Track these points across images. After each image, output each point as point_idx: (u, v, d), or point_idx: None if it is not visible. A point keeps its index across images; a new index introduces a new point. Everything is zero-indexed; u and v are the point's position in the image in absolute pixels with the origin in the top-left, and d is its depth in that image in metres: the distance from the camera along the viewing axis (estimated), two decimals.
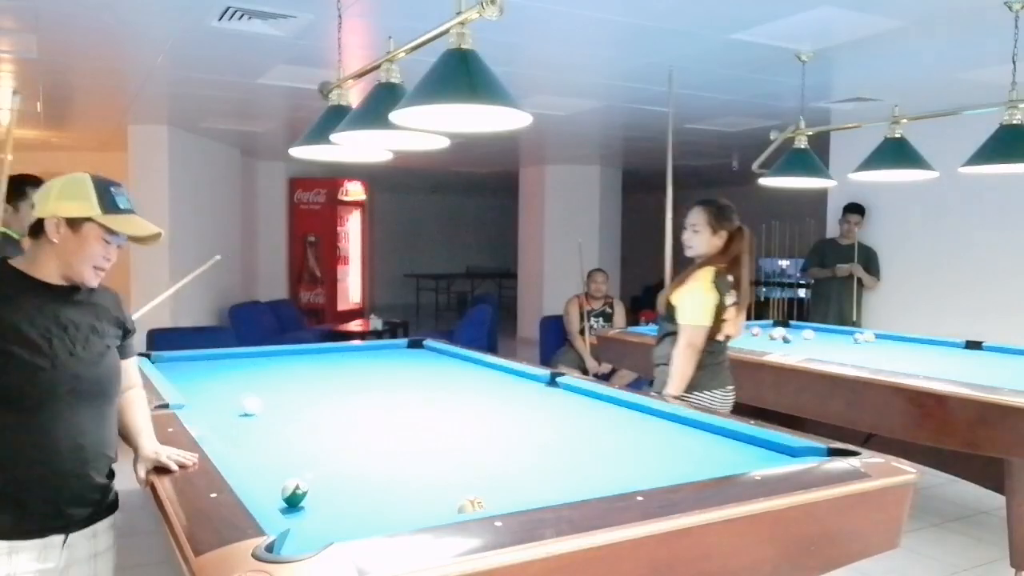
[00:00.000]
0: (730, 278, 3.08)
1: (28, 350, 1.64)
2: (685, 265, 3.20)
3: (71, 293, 1.76)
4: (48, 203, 1.72)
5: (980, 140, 3.62)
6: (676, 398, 2.91)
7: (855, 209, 6.11)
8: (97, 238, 1.73)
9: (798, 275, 9.43)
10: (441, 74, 2.10)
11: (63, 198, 1.73)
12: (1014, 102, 3.49)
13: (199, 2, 3.65)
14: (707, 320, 2.99)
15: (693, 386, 3.03)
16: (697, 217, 3.12)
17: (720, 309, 3.03)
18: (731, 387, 3.18)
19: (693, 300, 3.01)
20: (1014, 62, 3.48)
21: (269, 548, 1.32)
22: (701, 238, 3.10)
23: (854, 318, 5.89)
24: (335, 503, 1.67)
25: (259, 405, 2.54)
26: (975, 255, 5.65)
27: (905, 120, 4.03)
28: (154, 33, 4.23)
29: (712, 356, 3.09)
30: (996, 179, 4.90)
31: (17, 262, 1.76)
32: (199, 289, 7.78)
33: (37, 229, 1.73)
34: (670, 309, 3.09)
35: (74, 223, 1.72)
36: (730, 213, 3.13)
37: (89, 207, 1.72)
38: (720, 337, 3.11)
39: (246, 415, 2.51)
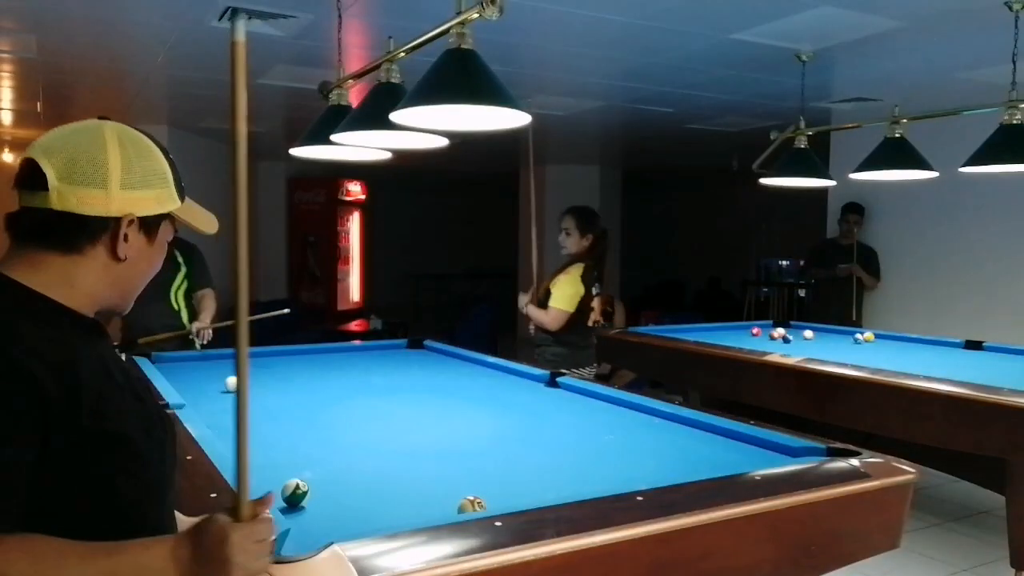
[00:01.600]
0: (595, 273, 3.79)
1: (136, 430, 1.04)
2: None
3: (99, 327, 1.14)
4: (110, 189, 1.05)
5: (980, 140, 3.62)
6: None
7: (854, 209, 6.10)
8: (165, 242, 1.19)
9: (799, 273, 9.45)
10: (441, 74, 2.10)
11: (137, 185, 1.08)
12: (1014, 102, 3.49)
13: (199, 2, 3.65)
14: (571, 308, 3.68)
15: (572, 364, 3.69)
16: (568, 222, 3.81)
17: (587, 299, 3.74)
18: (595, 365, 3.92)
19: (564, 290, 3.71)
20: (1014, 62, 3.48)
21: None
22: (572, 239, 3.79)
23: (854, 318, 5.89)
24: (335, 503, 1.67)
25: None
26: (975, 255, 5.65)
27: (905, 120, 4.03)
28: (154, 33, 4.23)
29: (584, 339, 3.83)
30: (996, 179, 4.90)
31: (31, 281, 1.04)
32: None
33: (67, 229, 1.04)
34: (547, 295, 3.74)
35: (150, 225, 1.13)
36: (595, 219, 3.85)
37: (170, 195, 1.14)
38: (589, 323, 3.83)
39: (227, 392, 2.77)
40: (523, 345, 10.10)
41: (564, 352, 3.77)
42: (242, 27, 0.97)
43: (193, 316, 3.99)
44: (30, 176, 1.05)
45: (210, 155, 8.34)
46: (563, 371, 3.35)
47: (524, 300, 3.93)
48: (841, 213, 6.18)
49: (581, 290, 3.73)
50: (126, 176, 1.08)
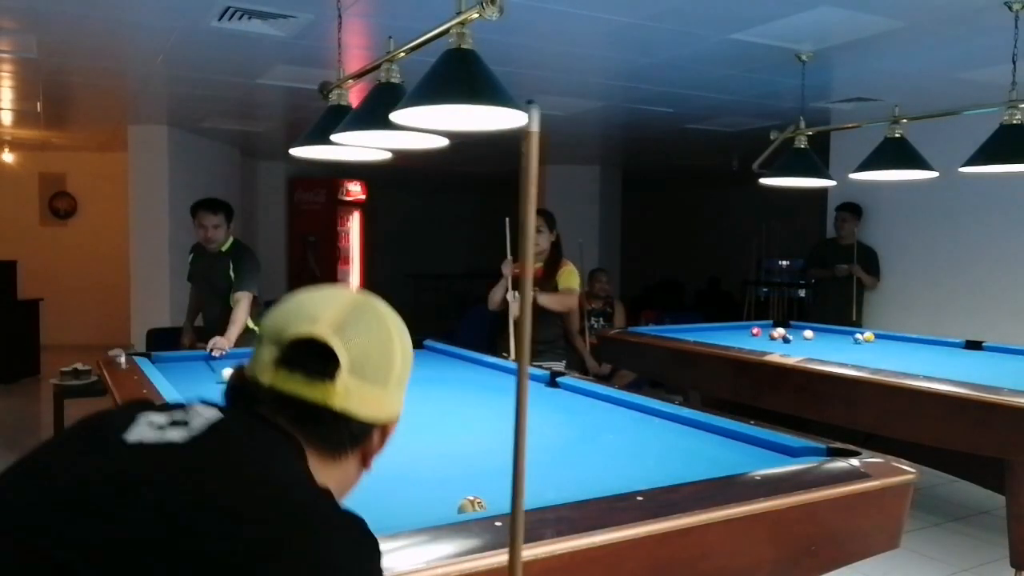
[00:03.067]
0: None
1: None
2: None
3: None
4: (389, 389, 0.92)
5: (980, 140, 3.62)
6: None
7: (846, 207, 6.12)
8: None
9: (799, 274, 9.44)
10: (441, 74, 2.10)
11: (405, 382, 0.96)
12: (1014, 102, 3.49)
13: (199, 2, 3.65)
14: (579, 289, 4.32)
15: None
16: (539, 220, 4.13)
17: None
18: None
19: (573, 276, 4.27)
20: (1014, 62, 3.48)
21: None
22: (544, 236, 4.21)
23: (853, 318, 5.89)
24: None
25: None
26: (975, 255, 5.65)
27: (905, 120, 4.03)
28: (154, 33, 4.23)
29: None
30: (996, 179, 4.90)
31: (320, 473, 0.87)
32: None
33: (339, 431, 0.89)
34: (554, 289, 4.21)
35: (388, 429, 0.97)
36: (554, 219, 4.36)
37: (403, 394, 0.98)
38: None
39: (222, 383, 2.81)
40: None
41: (567, 345, 4.39)
42: (536, 117, 0.92)
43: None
44: (313, 359, 0.86)
45: (210, 155, 8.35)
46: (562, 371, 3.39)
47: (508, 294, 4.19)
48: (836, 213, 6.20)
49: (579, 281, 4.33)
50: (400, 374, 0.92)
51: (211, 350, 3.41)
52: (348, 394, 0.86)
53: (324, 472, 0.87)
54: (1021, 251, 5.40)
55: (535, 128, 0.92)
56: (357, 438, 0.89)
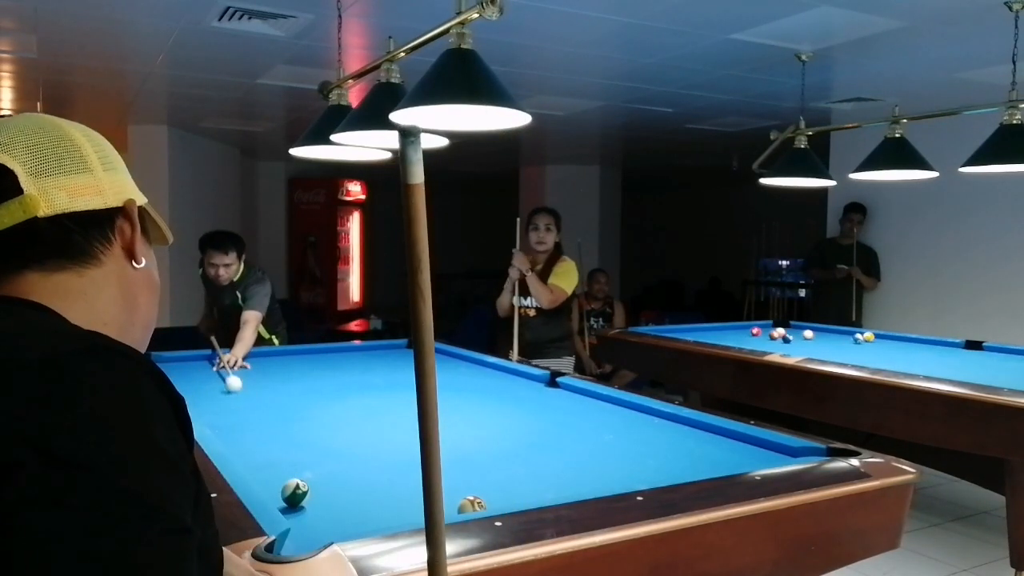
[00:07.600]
0: None
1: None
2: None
3: None
4: (96, 172, 0.83)
5: (980, 140, 3.62)
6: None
7: (857, 208, 6.11)
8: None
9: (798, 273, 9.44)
10: (441, 74, 2.10)
11: (115, 166, 0.88)
12: (1014, 102, 3.49)
13: (199, 2, 3.65)
14: (569, 291, 4.13)
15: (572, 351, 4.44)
16: (550, 219, 4.19)
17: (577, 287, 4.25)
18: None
19: (568, 275, 4.12)
20: (1014, 62, 3.48)
21: (269, 548, 1.32)
22: (551, 235, 4.15)
23: (853, 318, 5.89)
24: (335, 503, 1.67)
25: (238, 383, 2.98)
26: (975, 255, 5.65)
27: (905, 120, 4.03)
28: (154, 33, 4.23)
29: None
30: (996, 179, 4.90)
31: (86, 295, 0.81)
32: (199, 289, 7.76)
33: (68, 235, 0.80)
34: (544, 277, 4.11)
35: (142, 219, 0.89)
36: (560, 219, 4.28)
37: (133, 183, 0.91)
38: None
39: (228, 392, 2.90)
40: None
41: (571, 344, 4.41)
42: (418, 172, 0.79)
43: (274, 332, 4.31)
44: None
45: (210, 155, 8.35)
46: (562, 371, 3.39)
47: (523, 261, 4.08)
48: (843, 212, 6.19)
49: (577, 281, 4.18)
50: (101, 156, 0.85)
51: (218, 368, 3.32)
52: (49, 196, 0.78)
53: (93, 289, 0.80)
54: (1021, 251, 5.40)
55: (417, 180, 0.81)
56: (101, 230, 0.82)
